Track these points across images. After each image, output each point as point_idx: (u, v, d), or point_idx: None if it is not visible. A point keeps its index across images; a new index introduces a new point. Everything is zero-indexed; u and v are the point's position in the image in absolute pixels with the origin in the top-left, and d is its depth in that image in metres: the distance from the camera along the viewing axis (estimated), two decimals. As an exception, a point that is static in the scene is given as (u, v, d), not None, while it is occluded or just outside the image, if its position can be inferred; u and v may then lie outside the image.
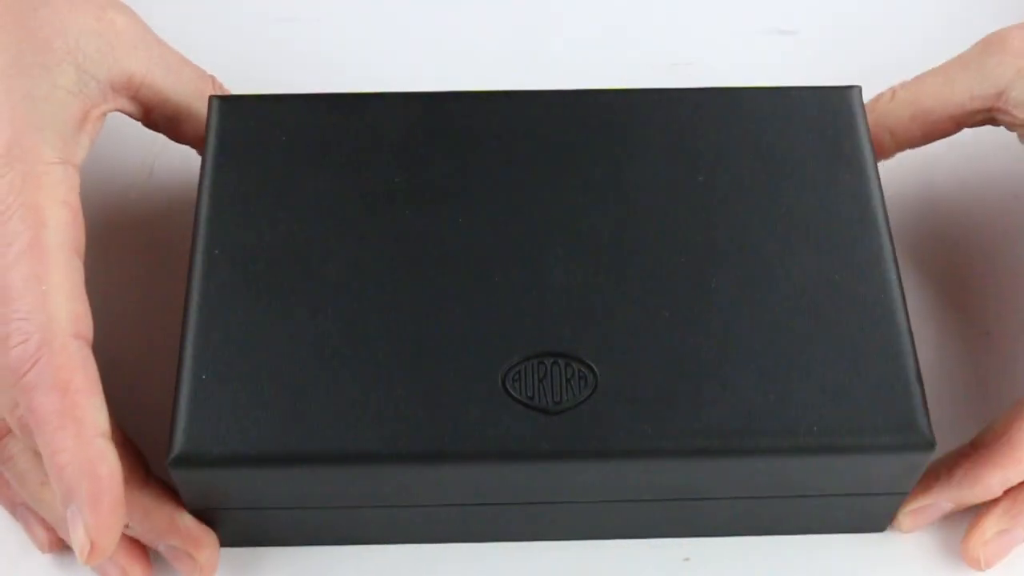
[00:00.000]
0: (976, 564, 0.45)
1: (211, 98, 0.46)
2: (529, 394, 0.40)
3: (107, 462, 0.39)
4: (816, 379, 0.40)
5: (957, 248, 0.51)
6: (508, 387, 0.40)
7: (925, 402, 0.40)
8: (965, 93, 0.47)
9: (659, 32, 0.58)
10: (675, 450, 0.39)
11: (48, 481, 0.41)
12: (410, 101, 0.46)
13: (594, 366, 0.40)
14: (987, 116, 0.47)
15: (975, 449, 0.44)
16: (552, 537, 0.45)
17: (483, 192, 0.44)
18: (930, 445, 0.40)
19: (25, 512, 0.44)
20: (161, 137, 0.48)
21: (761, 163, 0.44)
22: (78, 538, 0.39)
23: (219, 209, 0.43)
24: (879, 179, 0.45)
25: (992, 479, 0.43)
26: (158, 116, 0.47)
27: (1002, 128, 0.48)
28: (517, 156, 0.44)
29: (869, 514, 0.44)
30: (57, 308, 0.39)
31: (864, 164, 0.45)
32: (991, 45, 0.47)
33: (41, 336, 0.39)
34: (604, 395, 0.40)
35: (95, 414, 0.39)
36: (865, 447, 0.40)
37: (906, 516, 0.45)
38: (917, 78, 0.48)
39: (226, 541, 0.44)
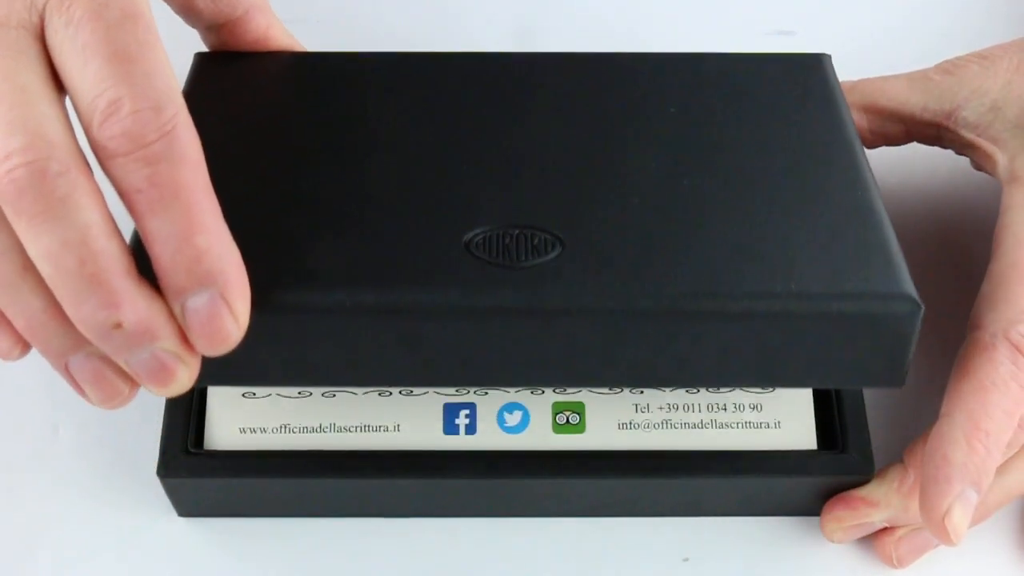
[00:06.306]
0: (889, 561, 0.44)
1: (195, 55, 0.47)
2: (493, 254, 0.39)
3: (236, 247, 0.36)
4: (793, 249, 0.39)
5: (925, 237, 0.52)
6: (472, 250, 0.39)
7: (907, 270, 0.38)
8: (919, 103, 0.49)
9: (658, 33, 0.59)
10: (645, 309, 0.38)
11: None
12: (388, 59, 0.47)
13: (561, 235, 0.39)
14: (935, 134, 0.49)
15: (907, 470, 0.43)
16: (530, 513, 0.44)
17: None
18: (917, 305, 0.38)
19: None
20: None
21: (735, 99, 0.45)
22: (223, 326, 0.35)
23: None
24: (853, 123, 0.45)
25: None
26: None
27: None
28: (494, 108, 0.45)
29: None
30: (171, 74, 0.35)
31: (836, 102, 0.45)
32: (951, 68, 0.49)
33: (169, 102, 0.35)
34: (571, 256, 0.39)
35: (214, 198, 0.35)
36: (847, 303, 0.37)
37: (842, 531, 0.44)
38: (880, 77, 0.50)
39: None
